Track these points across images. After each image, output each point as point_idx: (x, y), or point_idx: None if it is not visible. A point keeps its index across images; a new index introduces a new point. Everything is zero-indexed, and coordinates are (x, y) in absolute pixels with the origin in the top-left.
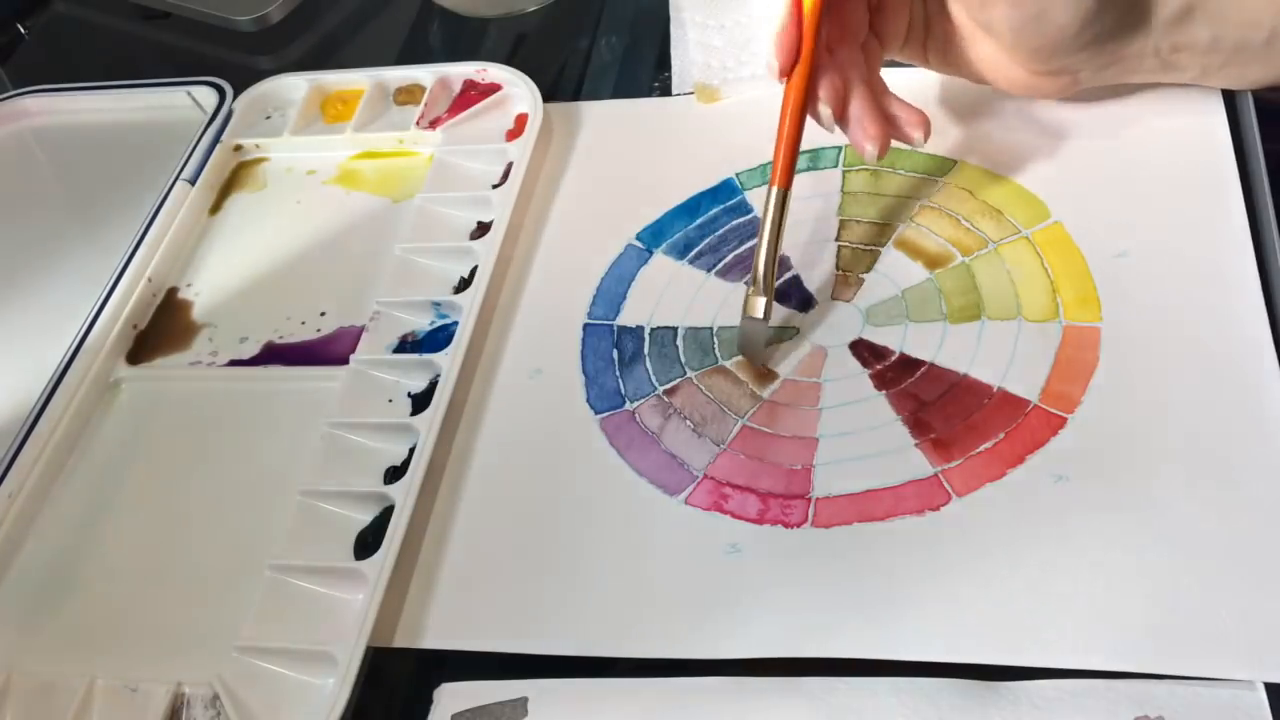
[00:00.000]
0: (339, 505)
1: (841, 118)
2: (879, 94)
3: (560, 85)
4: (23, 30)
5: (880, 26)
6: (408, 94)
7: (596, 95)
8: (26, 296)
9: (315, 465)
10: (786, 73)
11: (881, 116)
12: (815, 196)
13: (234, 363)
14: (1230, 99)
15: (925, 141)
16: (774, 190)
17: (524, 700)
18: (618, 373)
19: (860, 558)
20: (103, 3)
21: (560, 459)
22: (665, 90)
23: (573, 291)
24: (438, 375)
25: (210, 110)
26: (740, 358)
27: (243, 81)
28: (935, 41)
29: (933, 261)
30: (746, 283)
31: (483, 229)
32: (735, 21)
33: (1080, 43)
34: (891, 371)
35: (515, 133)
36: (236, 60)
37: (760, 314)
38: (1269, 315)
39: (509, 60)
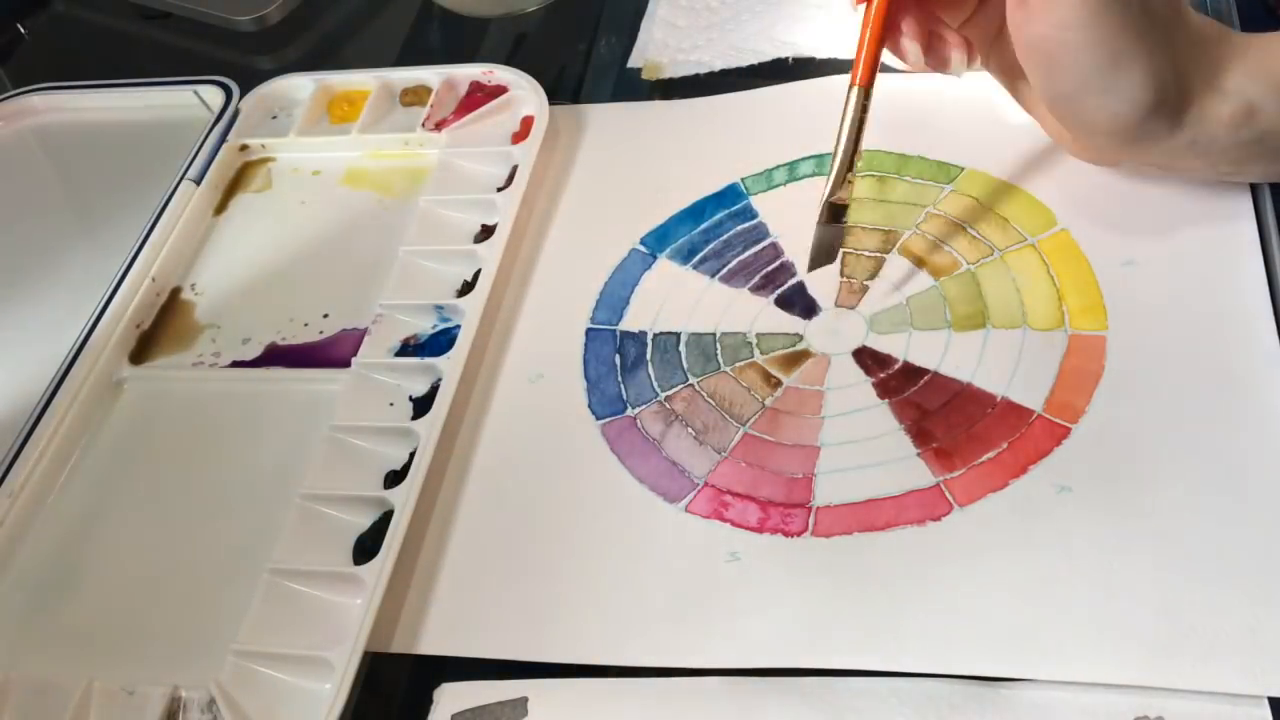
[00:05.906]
0: (339, 509)
1: (927, 53)
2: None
3: (560, 85)
4: (23, 30)
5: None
6: (414, 95)
7: (597, 96)
8: (30, 295)
9: (316, 468)
10: None
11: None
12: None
13: (236, 364)
14: None
15: (963, 68)
16: (853, 90)
17: (524, 700)
18: (620, 378)
19: (860, 567)
20: (103, 3)
21: (561, 465)
22: (664, 92)
23: (576, 296)
24: (439, 379)
25: (216, 109)
26: (740, 364)
27: (243, 81)
28: (997, 56)
29: (938, 269)
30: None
31: (487, 232)
32: (706, 5)
33: (1118, 141)
34: (894, 380)
35: (521, 135)
36: (236, 60)
37: (827, 219)
38: (1277, 324)
39: (509, 60)
